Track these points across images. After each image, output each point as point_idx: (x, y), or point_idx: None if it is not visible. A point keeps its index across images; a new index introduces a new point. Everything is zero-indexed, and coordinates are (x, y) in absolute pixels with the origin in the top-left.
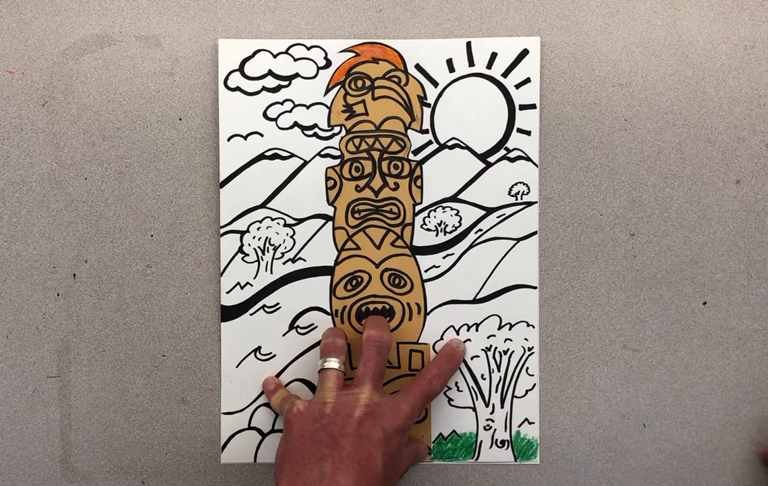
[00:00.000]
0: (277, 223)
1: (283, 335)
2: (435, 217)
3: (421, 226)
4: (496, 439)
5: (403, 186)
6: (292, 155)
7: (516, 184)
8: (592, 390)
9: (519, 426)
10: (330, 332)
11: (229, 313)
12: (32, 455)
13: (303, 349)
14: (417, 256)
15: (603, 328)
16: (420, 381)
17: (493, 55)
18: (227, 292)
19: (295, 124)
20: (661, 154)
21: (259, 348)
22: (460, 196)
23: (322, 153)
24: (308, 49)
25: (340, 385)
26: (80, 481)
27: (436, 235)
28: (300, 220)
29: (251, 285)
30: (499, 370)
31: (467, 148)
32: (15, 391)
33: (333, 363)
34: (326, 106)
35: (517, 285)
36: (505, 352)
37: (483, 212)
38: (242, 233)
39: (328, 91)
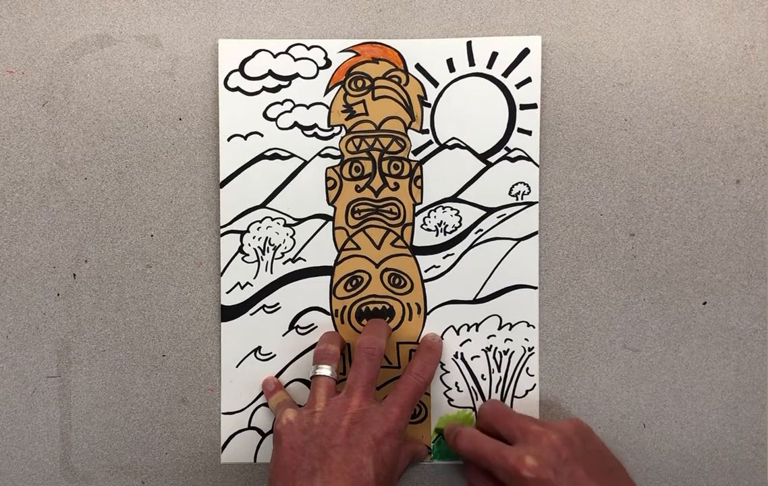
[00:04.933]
0: (277, 223)
1: (283, 335)
2: (435, 217)
3: (421, 226)
4: None
5: (403, 186)
6: (292, 155)
7: (516, 184)
8: (592, 390)
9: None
10: (325, 338)
11: (229, 313)
12: (32, 455)
13: (303, 350)
14: (417, 256)
15: (603, 328)
16: (406, 378)
17: (494, 55)
18: (227, 292)
19: (295, 124)
20: (661, 154)
21: (259, 348)
22: (460, 196)
23: (322, 153)
24: (308, 49)
25: (331, 392)
26: (80, 481)
27: (436, 235)
28: (300, 220)
29: (251, 285)
30: (499, 370)
31: (467, 148)
32: (15, 391)
33: (324, 370)
34: (326, 106)
35: (517, 285)
36: (506, 353)
37: (483, 212)
38: (242, 233)
39: (328, 91)
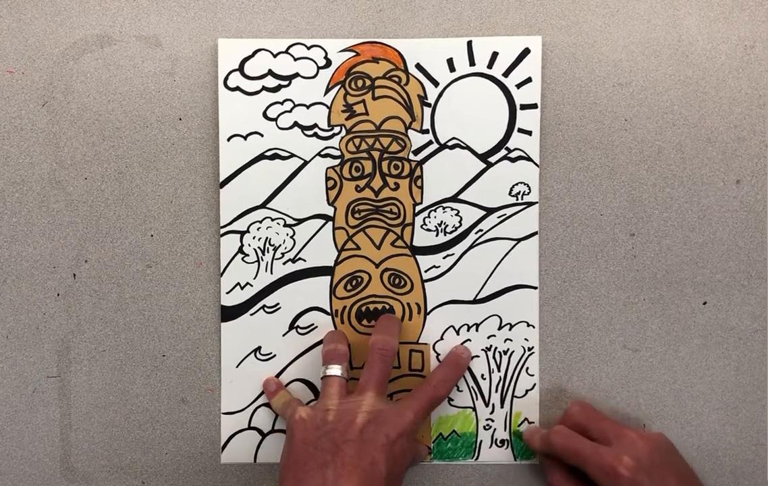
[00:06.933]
0: (277, 223)
1: (283, 335)
2: (435, 217)
3: (422, 227)
4: (496, 439)
5: (403, 186)
6: (292, 155)
7: (516, 184)
8: (592, 390)
9: (519, 426)
10: (331, 337)
11: (229, 313)
12: (32, 455)
13: (303, 350)
14: (417, 256)
15: (603, 328)
16: (425, 387)
17: (494, 55)
18: (227, 293)
19: (295, 124)
20: (661, 154)
21: (259, 348)
22: (460, 197)
23: (322, 153)
24: (308, 48)
25: (343, 392)
26: (80, 481)
27: (437, 235)
28: (300, 220)
29: (251, 285)
30: (499, 370)
31: (468, 148)
32: (15, 391)
33: (335, 370)
34: (326, 105)
35: (517, 285)
36: (505, 352)
37: (483, 212)
38: (242, 233)
39: (328, 90)
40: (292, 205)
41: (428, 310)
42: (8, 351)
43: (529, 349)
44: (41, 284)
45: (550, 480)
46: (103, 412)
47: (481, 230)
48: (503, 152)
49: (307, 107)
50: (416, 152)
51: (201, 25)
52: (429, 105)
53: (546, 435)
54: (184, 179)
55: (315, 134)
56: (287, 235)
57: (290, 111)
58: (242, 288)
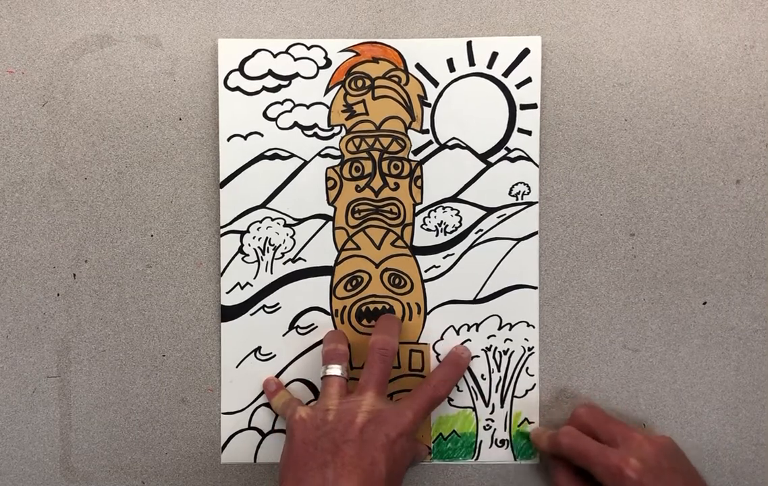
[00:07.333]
0: (277, 223)
1: (283, 335)
2: (435, 217)
3: (422, 226)
4: (496, 439)
5: (403, 186)
6: (292, 155)
7: (516, 184)
8: (592, 390)
9: (519, 426)
10: (331, 337)
11: (229, 313)
12: (32, 455)
13: (303, 350)
14: (417, 256)
15: (603, 328)
16: (425, 387)
17: (494, 55)
18: (227, 292)
19: (295, 124)
20: (661, 154)
21: (259, 348)
22: (460, 196)
23: (322, 153)
24: (308, 48)
25: (343, 391)
26: (80, 481)
27: (437, 235)
28: (300, 220)
29: (251, 285)
30: (499, 370)
31: (468, 148)
32: (15, 391)
33: (335, 370)
34: (326, 105)
35: (517, 285)
36: (505, 352)
37: (483, 212)
38: (242, 233)
39: (328, 90)
40: (292, 205)
41: (428, 310)
42: (8, 351)
43: (529, 349)
44: (41, 284)
45: (556, 481)
46: (103, 412)
47: (481, 230)
48: (503, 152)
49: (307, 107)
50: (416, 152)
51: (201, 25)
52: (429, 105)
53: (553, 435)
54: (184, 179)
55: (315, 134)
56: (287, 235)
57: (290, 111)
58: (242, 288)
